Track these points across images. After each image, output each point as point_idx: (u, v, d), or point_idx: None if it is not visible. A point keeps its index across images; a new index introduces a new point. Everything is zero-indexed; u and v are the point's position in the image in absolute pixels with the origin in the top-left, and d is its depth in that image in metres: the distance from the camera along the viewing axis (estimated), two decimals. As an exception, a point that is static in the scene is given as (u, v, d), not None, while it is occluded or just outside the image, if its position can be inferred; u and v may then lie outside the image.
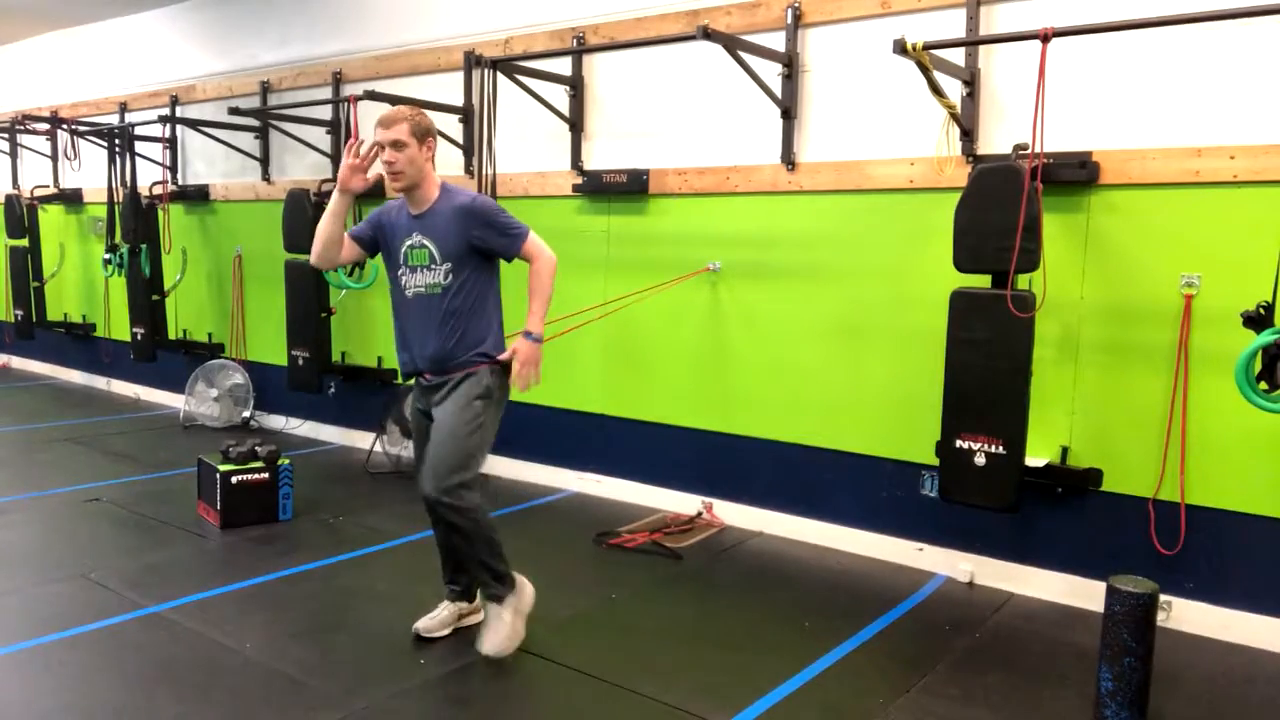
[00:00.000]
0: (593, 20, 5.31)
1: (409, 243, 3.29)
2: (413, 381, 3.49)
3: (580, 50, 5.27)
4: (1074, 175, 3.87)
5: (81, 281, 9.02)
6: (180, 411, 7.46)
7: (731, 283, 4.98)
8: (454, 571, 3.56)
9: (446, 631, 3.55)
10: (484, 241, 3.25)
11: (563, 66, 5.39)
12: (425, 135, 3.23)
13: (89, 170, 8.49)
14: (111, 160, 7.60)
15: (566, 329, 5.14)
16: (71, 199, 8.83)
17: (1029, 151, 3.61)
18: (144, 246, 7.26)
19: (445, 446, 3.23)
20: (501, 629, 3.36)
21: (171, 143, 7.84)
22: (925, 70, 3.77)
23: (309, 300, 6.31)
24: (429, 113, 5.56)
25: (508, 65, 5.10)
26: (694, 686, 3.20)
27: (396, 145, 3.16)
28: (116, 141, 7.57)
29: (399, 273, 3.34)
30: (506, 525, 4.99)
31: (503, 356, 3.32)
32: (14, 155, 9.39)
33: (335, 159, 6.61)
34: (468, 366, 3.28)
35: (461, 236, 3.24)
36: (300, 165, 6.92)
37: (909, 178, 4.34)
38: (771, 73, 4.61)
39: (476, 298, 3.29)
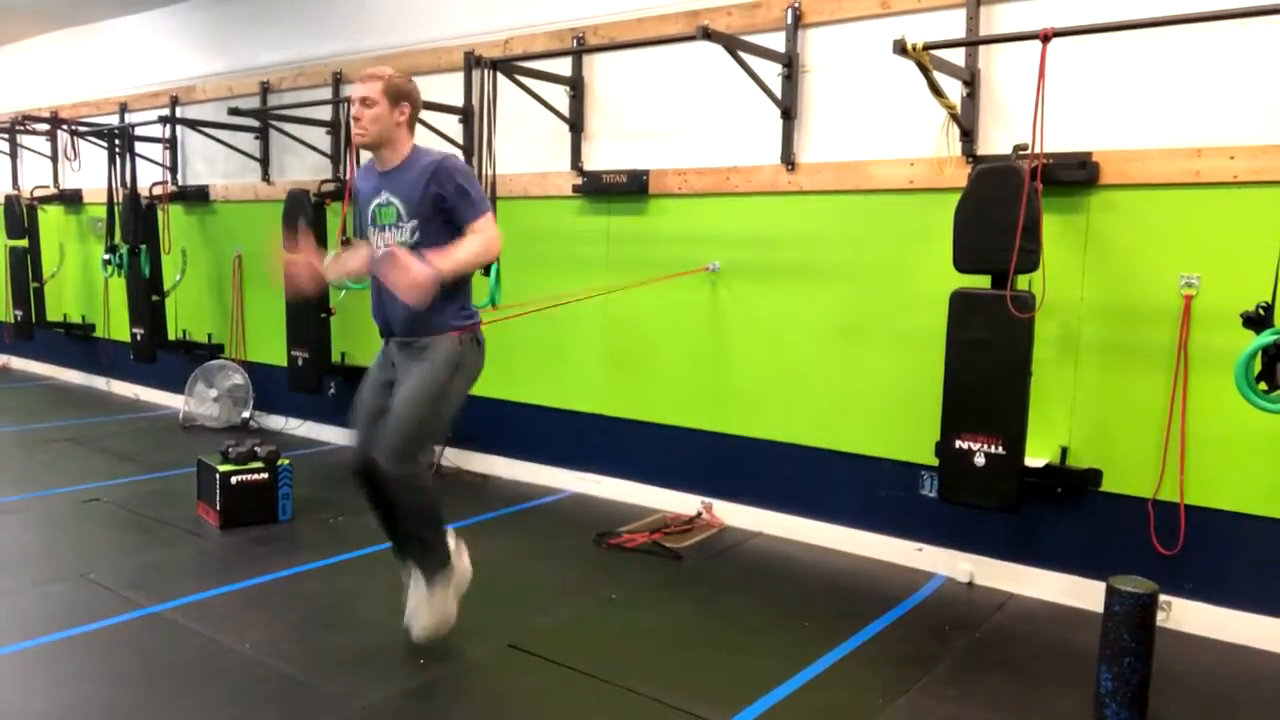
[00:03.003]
0: (593, 20, 5.31)
1: (377, 201, 3.22)
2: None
3: (580, 50, 5.27)
4: (1074, 175, 3.87)
5: (81, 282, 9.01)
6: (180, 412, 7.46)
7: (731, 283, 4.98)
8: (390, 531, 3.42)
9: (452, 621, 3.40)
10: (444, 200, 3.12)
11: (563, 67, 5.39)
12: (399, 98, 3.16)
13: (89, 170, 8.48)
14: (111, 160, 7.59)
15: (559, 302, 5.13)
16: (71, 199, 8.83)
17: (1029, 151, 3.61)
18: (144, 247, 7.26)
19: (405, 418, 3.13)
20: (430, 612, 3.27)
21: (171, 143, 7.83)
22: (925, 70, 3.77)
23: (309, 300, 6.30)
24: (438, 115, 5.61)
25: (508, 65, 5.10)
26: (694, 686, 3.20)
27: (365, 102, 3.11)
28: (116, 142, 7.57)
29: (369, 233, 3.26)
30: (506, 525, 5.02)
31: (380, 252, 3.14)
32: (14, 155, 9.39)
33: (335, 159, 6.62)
34: (439, 331, 3.18)
35: (427, 193, 3.12)
36: (300, 165, 6.92)
37: (909, 178, 4.34)
38: (771, 73, 4.61)
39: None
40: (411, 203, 3.15)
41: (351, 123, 3.16)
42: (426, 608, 3.29)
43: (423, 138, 5.94)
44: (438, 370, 3.18)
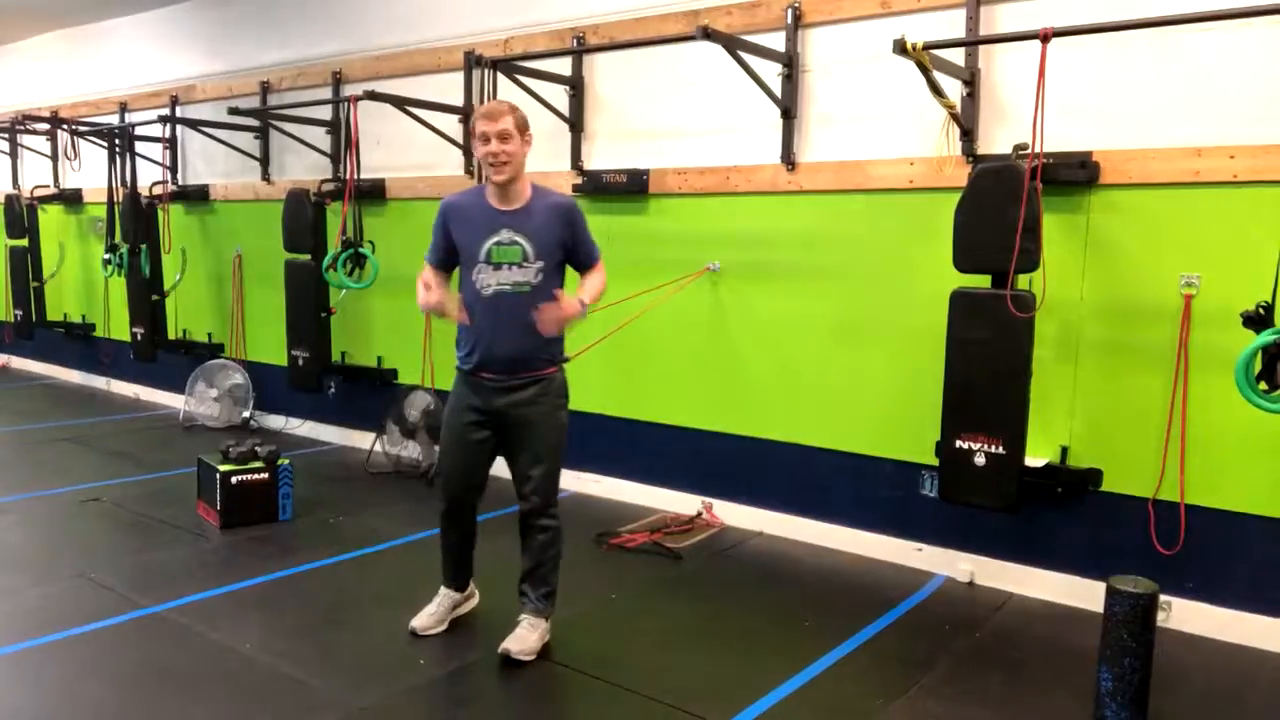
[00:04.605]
0: (593, 20, 5.31)
1: (495, 239, 3.18)
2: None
3: (580, 50, 5.27)
4: (1074, 175, 3.87)
5: (81, 281, 9.02)
6: (180, 411, 7.46)
7: (731, 283, 4.98)
8: (455, 568, 3.62)
9: (443, 628, 3.56)
10: (572, 247, 3.27)
11: (563, 66, 5.39)
12: (526, 129, 3.20)
13: (89, 170, 8.48)
14: (111, 160, 7.59)
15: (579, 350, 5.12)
16: (71, 199, 8.83)
17: (1029, 151, 3.61)
18: (144, 246, 7.26)
19: (548, 465, 3.33)
20: (532, 638, 3.35)
21: (171, 143, 7.83)
22: (925, 70, 3.77)
23: (309, 300, 6.31)
24: (438, 115, 5.63)
25: (508, 65, 5.10)
26: (694, 686, 3.20)
27: (503, 136, 3.11)
28: (116, 141, 7.57)
29: (476, 269, 3.22)
30: (507, 526, 4.99)
31: (568, 309, 3.17)
32: (14, 155, 9.39)
33: (335, 159, 6.62)
34: (539, 369, 3.26)
35: (557, 238, 3.22)
36: (300, 165, 6.92)
37: (909, 178, 4.34)
38: (771, 73, 4.61)
39: (553, 299, 3.23)
40: (542, 246, 3.20)
41: (487, 155, 3.14)
42: (529, 635, 3.36)
43: (422, 137, 5.98)
44: (559, 419, 3.34)
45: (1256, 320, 3.03)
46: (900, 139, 4.37)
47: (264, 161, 7.18)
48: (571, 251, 3.30)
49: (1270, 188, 3.53)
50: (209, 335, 7.76)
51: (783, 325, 4.80)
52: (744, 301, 4.94)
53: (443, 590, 3.63)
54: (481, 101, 4.99)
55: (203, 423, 7.23)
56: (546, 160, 5.57)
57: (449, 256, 3.31)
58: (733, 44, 4.34)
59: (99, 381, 8.96)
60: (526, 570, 3.42)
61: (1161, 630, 3.28)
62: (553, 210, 3.24)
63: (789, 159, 4.68)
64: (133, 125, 7.57)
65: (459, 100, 5.79)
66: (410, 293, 6.12)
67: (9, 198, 8.71)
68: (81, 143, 8.29)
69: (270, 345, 7.10)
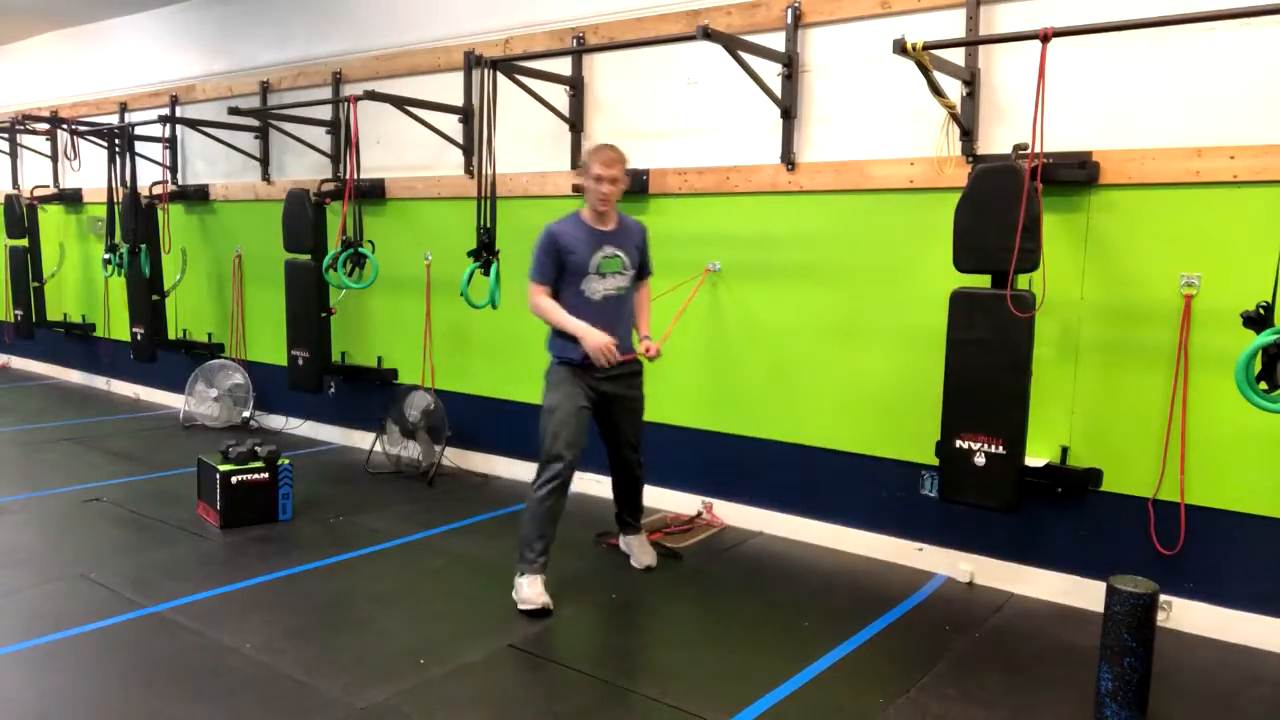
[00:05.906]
0: (593, 20, 5.31)
1: (602, 254, 3.91)
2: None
3: (580, 50, 5.26)
4: (1074, 175, 3.87)
5: (81, 281, 9.02)
6: (180, 411, 7.46)
7: (731, 283, 4.98)
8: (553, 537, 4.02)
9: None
10: (642, 261, 4.11)
11: (563, 66, 5.39)
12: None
13: (89, 170, 8.49)
14: (111, 160, 7.59)
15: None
16: (71, 199, 8.83)
17: (1029, 151, 3.61)
18: (144, 246, 7.26)
19: (639, 425, 4.23)
20: (651, 549, 4.40)
21: (171, 143, 7.84)
22: (925, 70, 3.77)
23: (309, 300, 6.31)
24: (438, 115, 5.64)
25: (508, 65, 5.10)
26: (694, 686, 3.21)
27: (614, 180, 3.87)
28: (116, 141, 7.56)
29: (585, 280, 3.89)
30: (507, 525, 5.00)
31: (651, 353, 4.05)
32: (14, 155, 9.40)
33: (335, 159, 6.62)
34: (630, 353, 4.00)
35: (640, 250, 4.08)
36: (300, 165, 6.92)
37: (909, 178, 4.34)
38: (771, 73, 4.61)
39: (634, 299, 4.11)
40: (632, 256, 4.03)
41: (599, 193, 3.85)
42: (649, 547, 4.41)
43: (423, 137, 5.98)
44: (640, 387, 4.19)
45: (1256, 320, 3.03)
46: (900, 139, 4.37)
47: (264, 161, 7.18)
48: (645, 260, 4.14)
49: (1270, 188, 3.54)
50: (209, 335, 7.76)
51: (783, 325, 4.80)
52: (744, 302, 4.94)
53: (540, 579, 3.80)
54: (482, 101, 4.99)
55: (203, 423, 7.23)
56: (546, 160, 5.57)
57: (559, 274, 3.90)
58: (733, 44, 4.34)
59: (99, 381, 8.96)
60: (631, 505, 4.39)
61: (1161, 630, 3.28)
62: (636, 231, 4.09)
63: (789, 159, 4.68)
64: (133, 125, 7.56)
65: (459, 100, 5.79)
66: (411, 292, 6.19)
67: (9, 198, 8.71)
68: (81, 143, 8.28)
69: (270, 345, 7.11)
